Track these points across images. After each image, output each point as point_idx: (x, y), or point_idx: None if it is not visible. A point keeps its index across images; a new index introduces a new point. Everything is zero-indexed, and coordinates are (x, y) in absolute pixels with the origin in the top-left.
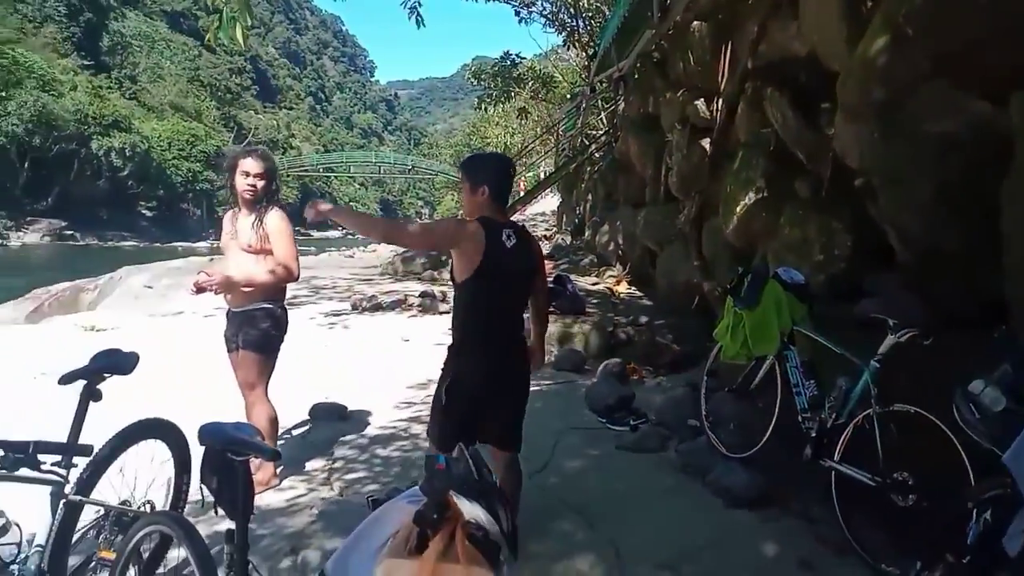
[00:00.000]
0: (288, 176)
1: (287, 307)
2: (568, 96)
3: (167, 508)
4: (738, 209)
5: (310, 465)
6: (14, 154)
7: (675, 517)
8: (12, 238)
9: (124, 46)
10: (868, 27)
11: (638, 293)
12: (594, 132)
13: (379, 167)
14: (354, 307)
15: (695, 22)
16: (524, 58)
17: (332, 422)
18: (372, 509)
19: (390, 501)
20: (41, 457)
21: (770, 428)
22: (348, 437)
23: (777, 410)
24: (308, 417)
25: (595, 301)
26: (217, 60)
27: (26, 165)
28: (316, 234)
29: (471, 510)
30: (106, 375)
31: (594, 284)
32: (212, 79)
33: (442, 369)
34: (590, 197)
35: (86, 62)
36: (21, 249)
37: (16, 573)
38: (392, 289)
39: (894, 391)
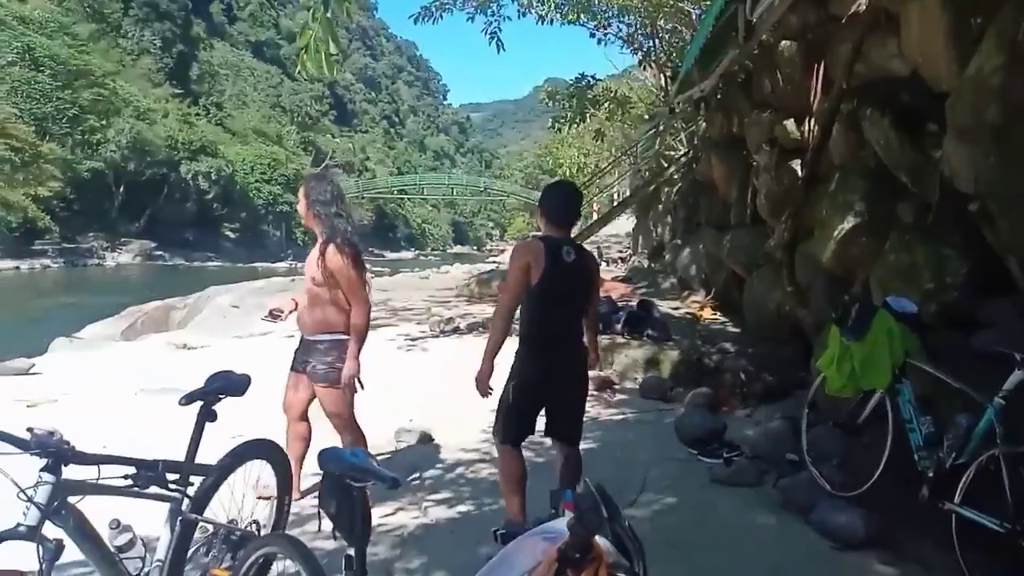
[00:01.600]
0: (363, 198)
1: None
2: (645, 117)
3: (270, 527)
4: (835, 234)
5: (397, 489)
6: (111, 179)
7: (778, 557)
8: (108, 258)
9: (212, 75)
10: (979, 45)
11: (723, 319)
12: (672, 153)
13: (451, 189)
14: (432, 330)
15: (783, 42)
16: (599, 79)
17: (417, 445)
18: (499, 543)
19: (521, 537)
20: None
21: (881, 465)
22: (434, 460)
23: (888, 447)
24: (394, 440)
25: (679, 326)
26: (298, 87)
27: (121, 189)
28: (389, 255)
29: (610, 550)
30: (221, 396)
31: (676, 309)
32: (293, 105)
33: (510, 370)
34: (669, 219)
35: (177, 90)
36: (116, 268)
37: None
38: (469, 312)
39: (1022, 430)
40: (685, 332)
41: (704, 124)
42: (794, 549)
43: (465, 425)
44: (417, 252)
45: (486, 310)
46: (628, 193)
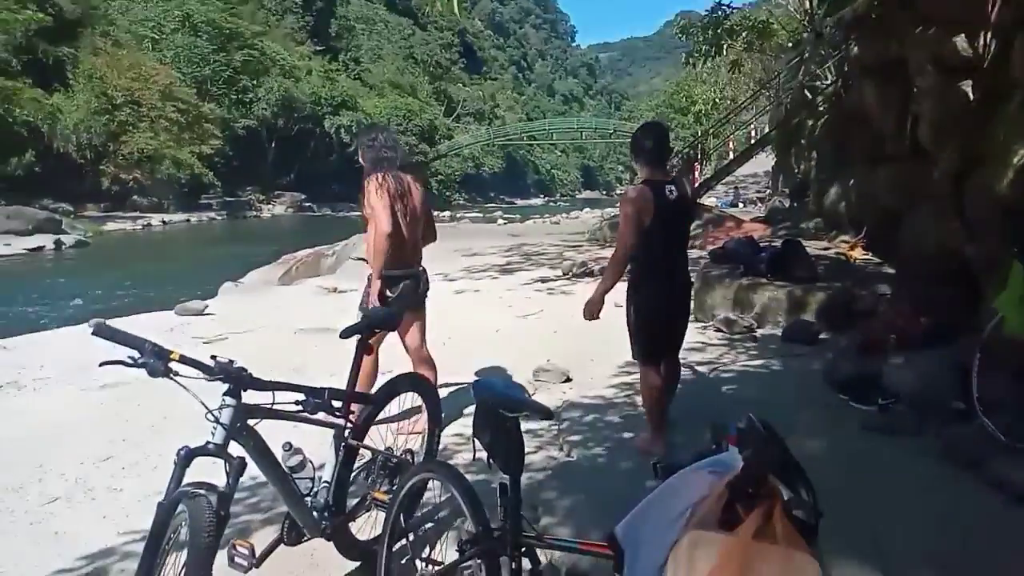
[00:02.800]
0: (493, 146)
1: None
2: (788, 45)
3: (422, 457)
4: (1016, 160)
5: (536, 426)
6: (263, 135)
7: (944, 512)
8: (264, 210)
9: (348, 30)
10: None
11: (876, 260)
12: (818, 84)
13: (580, 132)
14: (565, 273)
15: None
16: (736, 7)
17: (556, 385)
18: (659, 475)
19: (686, 470)
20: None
21: None
22: (573, 400)
23: None
24: (532, 380)
25: (827, 268)
26: (429, 37)
27: (273, 145)
28: (519, 202)
29: (782, 488)
30: (376, 330)
31: (824, 250)
32: (424, 55)
33: (626, 300)
34: (814, 155)
35: (318, 47)
36: (271, 220)
37: (310, 504)
38: (601, 255)
39: None
40: (834, 273)
41: (856, 48)
42: (962, 502)
43: (602, 367)
44: (547, 198)
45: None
46: (767, 129)
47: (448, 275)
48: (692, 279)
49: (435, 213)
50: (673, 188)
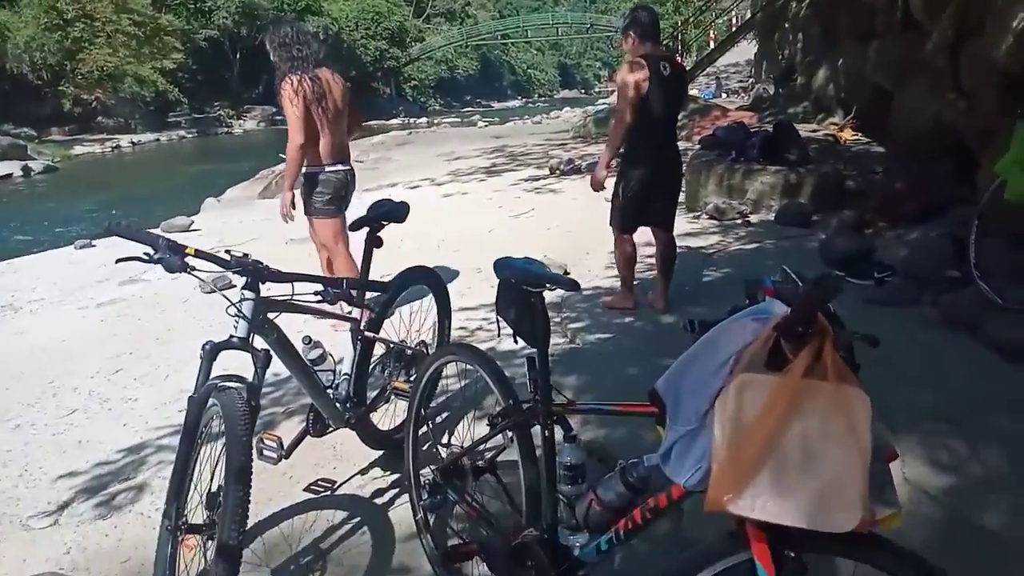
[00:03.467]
0: (467, 47)
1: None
2: None
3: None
4: (1014, 24)
5: None
6: (227, 47)
7: (945, 371)
8: (235, 126)
9: None
10: None
11: (866, 140)
12: None
13: (556, 29)
14: (552, 171)
15: None
16: None
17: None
18: (694, 331)
19: (726, 321)
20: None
21: None
22: (571, 293)
23: None
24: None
25: (818, 150)
26: None
27: (237, 57)
28: (496, 104)
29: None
30: (384, 223)
31: (814, 132)
32: None
33: (617, 174)
34: (800, 37)
35: None
36: (244, 135)
37: (332, 396)
38: (588, 152)
39: None
40: (825, 156)
41: None
42: (962, 362)
43: (597, 257)
44: (524, 100)
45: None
46: (749, 15)
47: (435, 180)
48: (683, 165)
49: (411, 120)
50: (667, 64)
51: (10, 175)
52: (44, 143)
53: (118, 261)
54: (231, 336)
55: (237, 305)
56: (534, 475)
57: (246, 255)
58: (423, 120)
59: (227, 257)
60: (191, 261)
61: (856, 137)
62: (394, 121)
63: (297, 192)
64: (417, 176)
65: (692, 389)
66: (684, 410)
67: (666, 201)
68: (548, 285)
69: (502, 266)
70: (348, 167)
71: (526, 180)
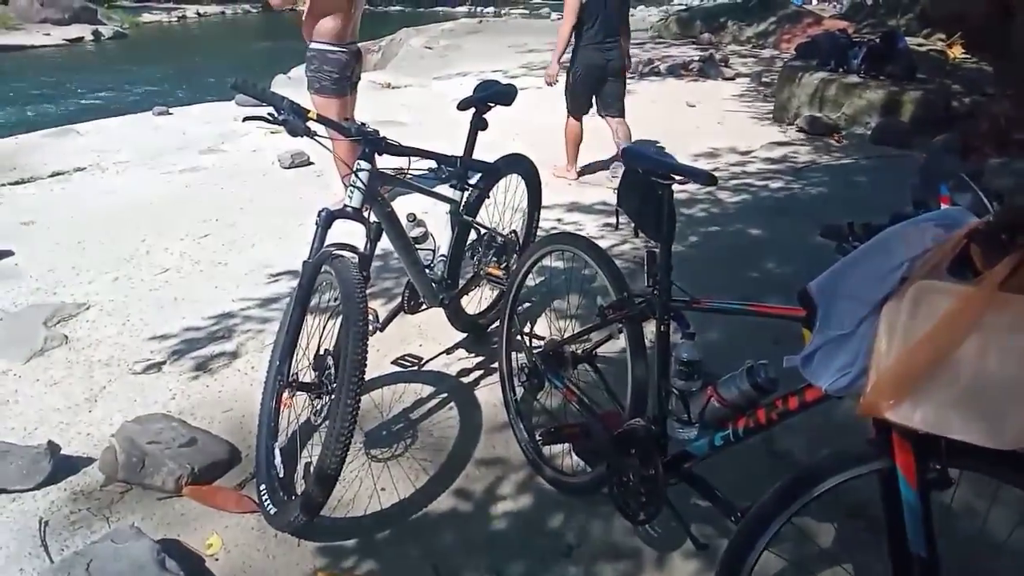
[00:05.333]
0: None
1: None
2: None
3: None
4: None
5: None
6: None
7: None
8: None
9: None
10: None
11: (977, 59)
12: None
13: None
14: (632, 72)
15: None
16: None
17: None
18: (853, 232)
19: (901, 224)
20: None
21: None
22: None
23: None
24: (609, 175)
25: (924, 67)
26: None
27: None
28: None
29: None
30: (491, 104)
31: (919, 47)
32: None
33: (570, 62)
34: None
35: None
36: None
37: (429, 275)
38: (667, 54)
39: None
40: (932, 73)
41: None
42: None
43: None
44: None
45: (687, 53)
46: None
47: (507, 72)
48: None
49: (478, 8)
50: None
51: (81, 38)
52: (113, 8)
53: (246, 119)
54: (345, 205)
55: (356, 173)
56: (643, 368)
57: (364, 124)
58: (490, 10)
59: (347, 124)
60: (312, 126)
61: (966, 55)
62: (460, 9)
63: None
64: (488, 67)
65: (851, 294)
66: (839, 314)
67: (612, 92)
68: (680, 177)
69: (632, 154)
70: (356, 47)
71: None
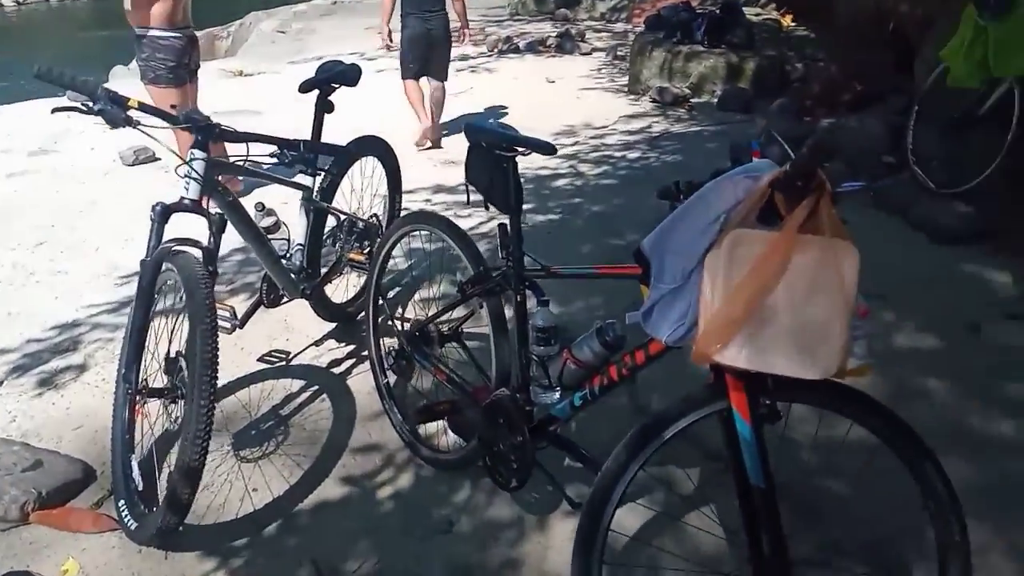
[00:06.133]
0: None
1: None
2: None
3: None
4: None
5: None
6: None
7: (878, 252)
8: None
9: None
10: None
11: (807, 27)
12: None
13: None
14: (490, 50)
15: None
16: None
17: None
18: (679, 190)
19: (718, 179)
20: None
21: (995, 162)
22: (521, 170)
23: (1009, 140)
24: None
25: (760, 36)
26: None
27: None
28: None
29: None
30: (335, 85)
31: (756, 16)
32: None
33: (401, 33)
34: None
35: None
36: None
37: (286, 265)
38: (524, 31)
39: None
40: (767, 42)
41: None
42: (892, 243)
43: (541, 135)
44: None
45: (544, 29)
46: None
47: (365, 54)
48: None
49: None
50: None
51: None
52: None
53: (55, 111)
54: (182, 198)
55: (189, 163)
56: (504, 339)
57: (197, 110)
58: None
59: (174, 112)
60: (134, 115)
61: (796, 24)
62: None
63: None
64: (346, 49)
65: (678, 248)
66: (670, 269)
67: (438, 58)
68: (522, 149)
69: (474, 129)
70: (192, 32)
71: (462, 59)
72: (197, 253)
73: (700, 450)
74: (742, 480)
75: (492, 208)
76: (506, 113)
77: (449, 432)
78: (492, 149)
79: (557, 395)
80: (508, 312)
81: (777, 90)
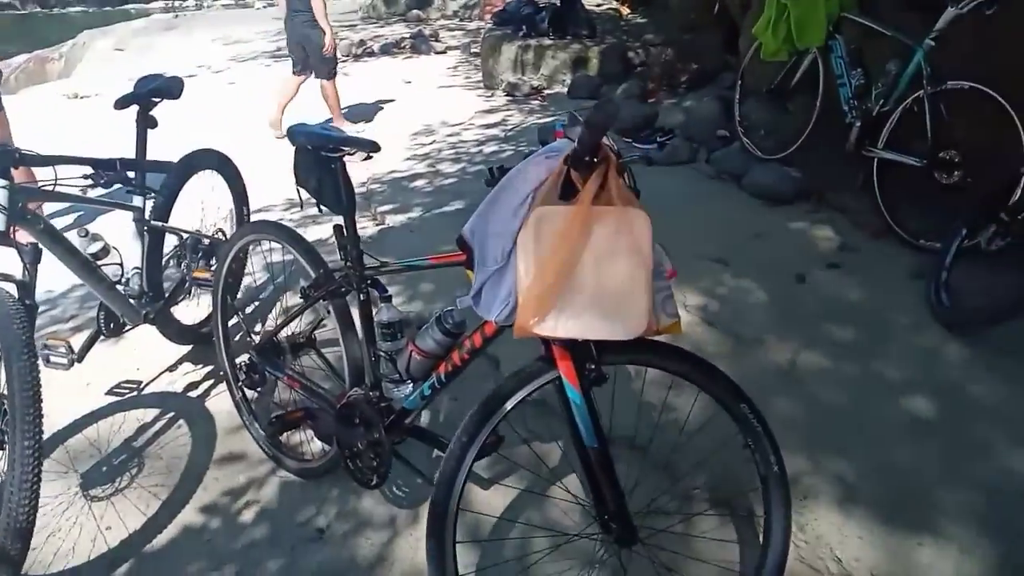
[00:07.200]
0: None
1: None
2: None
3: None
4: None
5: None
6: None
7: (717, 217)
8: None
9: None
10: None
11: (644, 14)
12: None
13: None
14: (345, 55)
15: None
16: None
17: (359, 163)
18: (494, 179)
19: (523, 163)
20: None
21: (810, 126)
22: (377, 174)
23: (818, 107)
24: None
25: (601, 23)
26: None
27: None
28: None
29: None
30: (156, 100)
31: (598, 6)
32: None
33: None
34: None
35: None
36: None
37: (124, 291)
38: (379, 34)
39: (947, 70)
40: (610, 29)
41: None
42: (730, 209)
43: (398, 141)
44: None
45: (398, 31)
46: None
47: (213, 67)
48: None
49: (174, 2)
50: None
51: None
52: None
53: None
54: None
55: None
56: (353, 339)
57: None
58: (190, 3)
59: None
60: None
61: (634, 13)
62: (156, 4)
63: None
64: (192, 64)
65: (495, 231)
66: (491, 251)
67: (311, 55)
68: (347, 149)
69: (297, 132)
70: None
71: None
72: (10, 287)
73: (545, 421)
74: (578, 442)
75: (324, 209)
76: (367, 117)
77: (315, 440)
78: (318, 151)
79: (409, 388)
80: (356, 312)
81: (622, 75)
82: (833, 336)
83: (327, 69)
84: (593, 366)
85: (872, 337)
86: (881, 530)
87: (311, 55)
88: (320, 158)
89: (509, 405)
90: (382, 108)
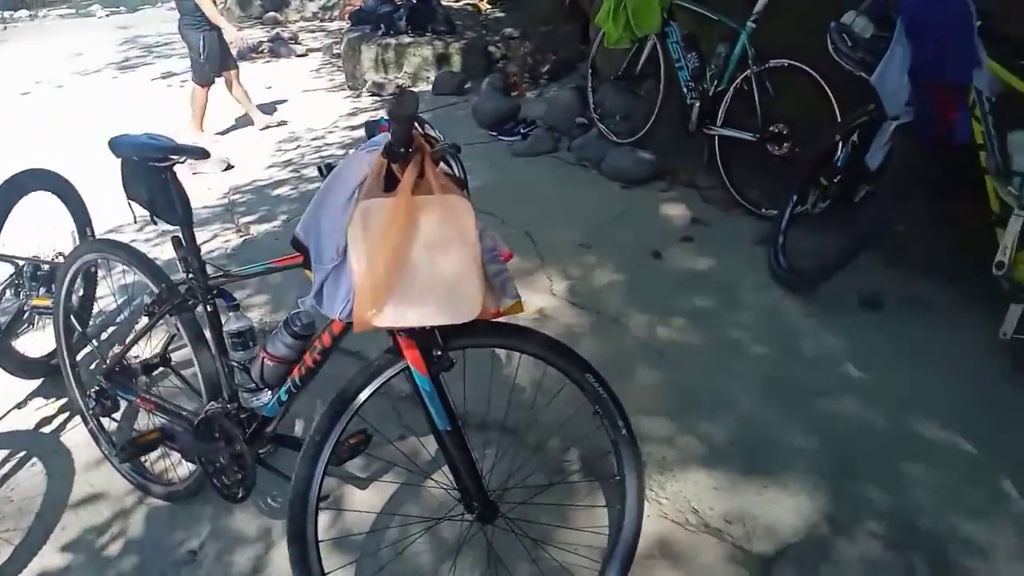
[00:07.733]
0: None
1: None
2: None
3: None
4: None
5: (209, 211)
6: None
7: (580, 203)
8: None
9: None
10: None
11: (502, 10)
12: None
13: None
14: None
15: None
16: None
17: (220, 173)
18: (325, 174)
19: (345, 159)
20: None
21: (656, 109)
22: (239, 184)
23: (661, 90)
24: (192, 172)
25: (460, 19)
26: None
27: None
28: None
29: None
30: None
31: (456, 1)
32: None
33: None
34: None
35: None
36: None
37: None
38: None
39: (769, 50)
40: (469, 25)
41: None
42: (590, 190)
43: (259, 150)
44: None
45: (254, 34)
46: None
47: (55, 82)
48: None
49: (11, 14)
50: None
51: None
52: None
53: None
54: None
55: None
56: (205, 352)
57: None
58: (22, 13)
59: None
60: None
61: (492, 8)
62: None
63: None
64: (30, 78)
65: (328, 228)
66: (327, 249)
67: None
68: (176, 157)
69: (119, 144)
70: None
71: (165, 76)
72: None
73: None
74: (432, 427)
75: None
76: (227, 126)
77: (184, 462)
78: (145, 161)
79: (267, 396)
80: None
81: (485, 70)
82: (687, 305)
83: (200, 73)
84: (439, 352)
85: (722, 302)
86: (732, 479)
87: (191, 58)
88: (149, 168)
89: (361, 398)
90: (242, 115)
